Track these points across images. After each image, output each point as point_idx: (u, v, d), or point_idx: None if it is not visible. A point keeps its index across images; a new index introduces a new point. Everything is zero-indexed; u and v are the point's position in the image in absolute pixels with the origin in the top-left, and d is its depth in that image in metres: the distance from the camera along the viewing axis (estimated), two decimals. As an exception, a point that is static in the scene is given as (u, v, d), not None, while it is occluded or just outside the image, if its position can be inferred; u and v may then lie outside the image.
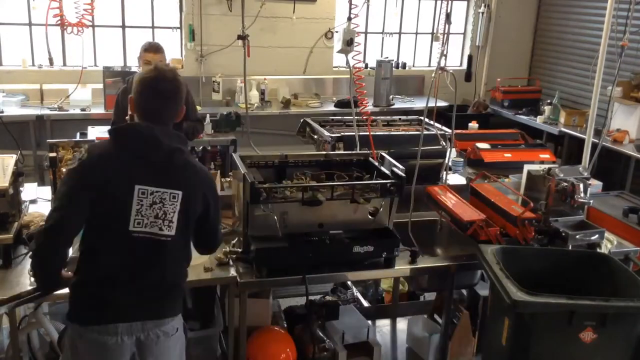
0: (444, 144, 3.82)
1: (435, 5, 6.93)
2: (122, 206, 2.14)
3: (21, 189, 3.07)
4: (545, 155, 4.56)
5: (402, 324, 3.99)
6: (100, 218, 2.15)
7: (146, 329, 2.19)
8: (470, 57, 7.23)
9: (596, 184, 4.05)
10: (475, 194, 3.45)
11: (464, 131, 5.32)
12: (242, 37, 6.00)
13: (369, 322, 3.64)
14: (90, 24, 5.83)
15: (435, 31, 7.43)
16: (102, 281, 2.18)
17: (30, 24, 6.03)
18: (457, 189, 3.57)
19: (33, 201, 3.50)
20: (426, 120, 3.70)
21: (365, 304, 4.24)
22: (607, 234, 3.33)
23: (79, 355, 2.19)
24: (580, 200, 3.25)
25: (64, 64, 6.21)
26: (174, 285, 2.30)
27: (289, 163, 3.30)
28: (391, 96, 6.82)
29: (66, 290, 2.29)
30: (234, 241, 3.02)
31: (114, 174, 2.15)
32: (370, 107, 5.69)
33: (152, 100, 2.21)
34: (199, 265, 2.83)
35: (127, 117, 3.02)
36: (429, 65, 7.65)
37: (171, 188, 2.18)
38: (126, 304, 2.17)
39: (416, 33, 7.60)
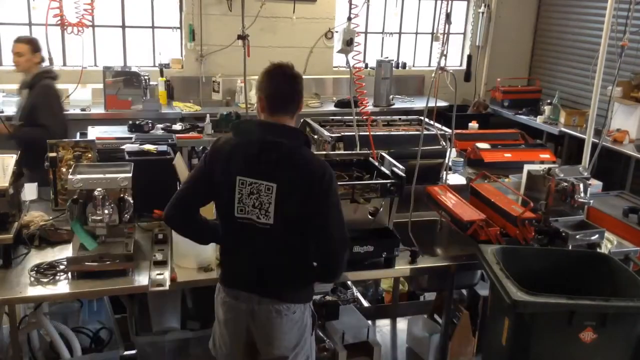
0: (444, 144, 3.83)
1: (435, 5, 6.93)
2: (228, 194, 2.35)
3: (21, 189, 3.07)
4: (545, 155, 4.56)
5: (402, 324, 3.99)
6: (218, 204, 2.46)
7: (262, 303, 2.39)
8: (470, 57, 7.23)
9: (596, 184, 4.05)
10: (475, 194, 3.45)
11: (464, 131, 5.32)
12: (242, 37, 6.00)
13: (369, 322, 3.64)
14: (90, 24, 5.82)
15: (435, 31, 7.43)
16: (228, 254, 2.50)
17: (30, 24, 6.03)
18: (457, 189, 3.57)
19: (33, 201, 3.50)
20: (426, 120, 3.70)
21: (365, 304, 4.24)
22: (607, 234, 3.34)
23: (218, 309, 2.54)
24: (580, 200, 3.25)
25: (64, 64, 6.21)
26: (287, 272, 2.42)
27: (289, 163, 3.29)
28: (391, 96, 6.82)
29: (65, 291, 2.30)
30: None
31: (222, 164, 2.37)
32: (370, 107, 5.69)
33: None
34: (199, 266, 2.84)
35: None
36: (429, 65, 7.65)
37: (267, 180, 2.32)
38: (246, 276, 2.42)
39: (416, 33, 7.60)
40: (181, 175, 3.32)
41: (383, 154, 3.20)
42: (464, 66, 7.64)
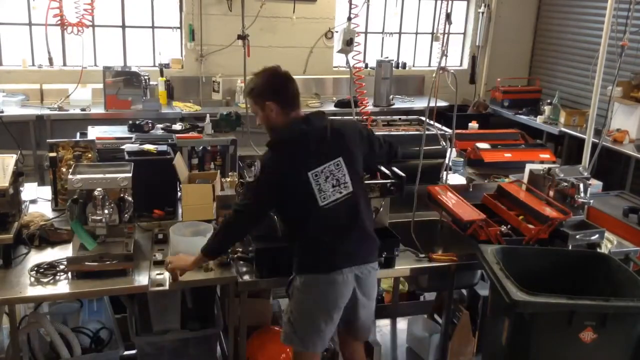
0: (444, 144, 3.82)
1: (435, 5, 6.92)
2: (308, 189, 2.56)
3: (21, 189, 3.07)
4: (545, 155, 4.56)
5: (402, 324, 3.99)
6: (296, 198, 2.61)
7: (361, 269, 2.66)
8: (474, 58, 7.21)
9: (596, 184, 4.05)
10: (504, 194, 3.49)
11: (464, 131, 5.31)
12: (242, 37, 6.00)
13: (369, 322, 3.64)
14: (90, 24, 5.83)
15: (435, 31, 7.43)
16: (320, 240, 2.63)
17: (30, 24, 6.03)
18: (457, 189, 3.57)
19: (33, 201, 3.50)
20: (426, 120, 3.70)
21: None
22: (607, 234, 3.34)
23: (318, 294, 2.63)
24: (580, 200, 3.25)
25: (64, 64, 6.21)
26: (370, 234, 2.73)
27: (289, 163, 3.29)
28: (391, 96, 6.82)
29: (65, 291, 2.24)
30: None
31: (292, 166, 2.59)
32: (370, 107, 5.69)
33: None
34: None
35: None
36: (429, 65, 7.65)
37: (333, 159, 2.61)
38: (344, 253, 2.62)
39: (416, 33, 7.60)
40: (181, 175, 3.32)
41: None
42: (464, 66, 7.66)
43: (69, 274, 2.71)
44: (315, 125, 2.62)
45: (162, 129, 5.16)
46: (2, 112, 5.45)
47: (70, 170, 2.87)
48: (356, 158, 2.70)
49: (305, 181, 2.56)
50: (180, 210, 3.35)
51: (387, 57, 6.99)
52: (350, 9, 3.61)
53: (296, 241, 2.68)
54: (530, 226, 3.14)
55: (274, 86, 2.64)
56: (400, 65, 7.39)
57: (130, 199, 2.80)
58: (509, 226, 3.21)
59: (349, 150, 2.67)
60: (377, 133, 3.12)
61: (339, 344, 3.03)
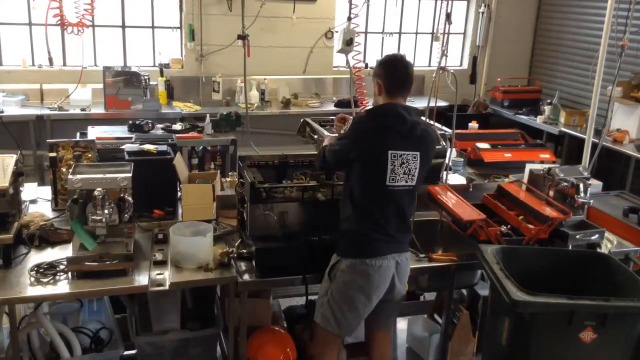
0: (444, 143, 3.82)
1: (435, 5, 6.92)
2: (382, 165, 2.71)
3: (21, 188, 3.07)
4: (545, 155, 4.56)
5: (402, 324, 3.98)
6: (368, 168, 2.74)
7: (401, 256, 2.83)
8: (475, 59, 7.19)
9: (596, 184, 4.05)
10: (504, 193, 3.49)
11: (464, 131, 5.31)
12: (242, 37, 5.99)
13: (369, 322, 3.64)
14: (90, 24, 5.83)
15: (435, 31, 7.43)
16: (374, 221, 2.75)
17: (30, 24, 6.03)
18: (457, 189, 3.57)
19: (33, 201, 3.50)
20: (427, 120, 3.70)
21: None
22: (607, 234, 3.34)
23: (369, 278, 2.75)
24: (580, 200, 3.25)
25: (64, 64, 6.21)
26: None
27: (289, 163, 3.30)
28: (391, 96, 6.80)
29: (65, 291, 2.25)
30: (237, 242, 3.01)
31: (379, 137, 2.73)
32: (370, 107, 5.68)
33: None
34: (199, 265, 2.84)
35: None
36: (429, 65, 7.65)
37: (413, 150, 2.75)
38: (392, 239, 2.77)
39: (416, 33, 7.60)
40: (181, 175, 3.32)
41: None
42: (464, 66, 7.65)
43: (69, 274, 2.71)
44: (412, 115, 2.79)
45: (162, 129, 5.16)
46: (2, 112, 5.45)
47: (70, 170, 2.87)
48: (428, 160, 2.86)
49: (383, 156, 2.69)
50: (180, 210, 3.35)
51: (387, 57, 6.98)
52: (350, 9, 3.62)
53: (348, 222, 2.78)
54: (530, 226, 3.14)
55: (386, 68, 2.82)
56: (400, 65, 7.37)
57: (130, 199, 2.80)
58: (509, 226, 3.21)
59: (427, 152, 2.83)
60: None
61: (366, 335, 3.10)
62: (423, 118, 3.74)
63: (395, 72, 2.81)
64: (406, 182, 2.75)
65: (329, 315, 2.79)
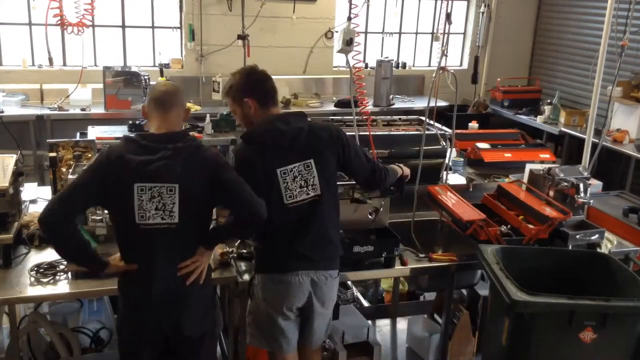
0: (444, 143, 3.83)
1: (435, 5, 6.92)
2: (274, 185, 2.58)
3: (21, 188, 3.07)
4: (545, 155, 4.56)
5: (402, 324, 3.98)
6: (262, 192, 2.50)
7: (318, 275, 2.65)
8: (476, 59, 7.17)
9: (596, 184, 4.05)
10: (503, 193, 3.49)
11: (464, 131, 5.32)
12: (242, 37, 6.00)
13: (369, 322, 3.64)
14: (90, 24, 5.83)
15: (435, 31, 7.43)
16: (279, 239, 2.62)
17: (30, 24, 6.03)
18: (457, 189, 3.57)
19: (33, 201, 3.50)
20: (426, 120, 3.71)
21: (365, 304, 4.24)
22: (607, 234, 3.34)
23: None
24: (580, 200, 3.25)
25: (64, 64, 6.21)
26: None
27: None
28: (391, 96, 6.81)
29: (65, 291, 2.24)
30: (237, 242, 3.01)
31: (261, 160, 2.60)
32: (370, 107, 5.68)
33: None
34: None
35: None
36: (429, 65, 7.65)
37: (303, 159, 2.61)
38: (301, 255, 2.61)
39: (416, 33, 7.60)
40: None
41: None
42: (464, 66, 7.65)
43: (69, 274, 2.71)
44: (291, 124, 2.62)
45: (162, 129, 5.15)
46: (2, 112, 5.45)
47: (70, 170, 2.87)
48: (328, 162, 2.67)
49: (272, 177, 2.56)
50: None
51: (387, 57, 6.98)
52: (350, 8, 3.61)
53: (258, 239, 2.68)
54: (530, 226, 3.14)
55: (252, 83, 2.66)
56: (400, 65, 7.38)
57: (130, 199, 2.79)
58: (509, 226, 3.21)
59: (322, 153, 2.65)
60: (376, 133, 3.11)
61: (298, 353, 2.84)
62: (422, 118, 3.74)
63: (263, 84, 2.69)
64: (307, 194, 2.60)
65: (255, 333, 2.71)
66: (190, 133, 5.17)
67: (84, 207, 2.44)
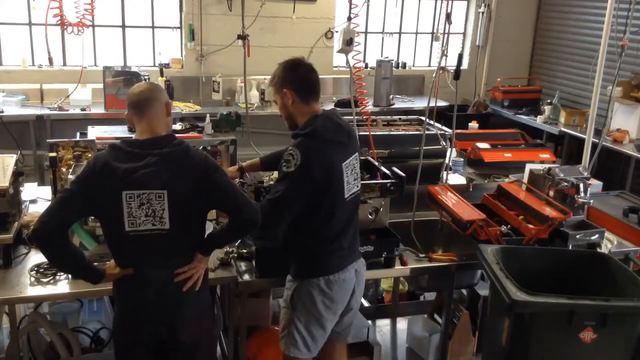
0: (444, 143, 3.83)
1: (435, 5, 6.92)
2: (338, 180, 2.57)
3: (21, 188, 3.07)
4: (545, 155, 4.56)
5: (402, 324, 3.99)
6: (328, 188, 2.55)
7: (358, 264, 2.72)
8: (460, 56, 7.15)
9: (596, 184, 4.05)
10: (503, 193, 3.49)
11: (464, 131, 5.32)
12: (242, 37, 5.99)
13: (369, 322, 3.64)
14: (90, 23, 5.83)
15: (435, 31, 7.43)
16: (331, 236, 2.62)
17: (30, 24, 6.03)
18: (457, 189, 3.57)
19: (33, 201, 3.50)
20: (426, 120, 3.71)
21: (365, 303, 4.24)
22: (607, 234, 3.34)
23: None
24: (580, 200, 3.25)
25: (64, 64, 6.20)
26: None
27: (289, 163, 3.28)
28: (391, 96, 6.81)
29: (65, 291, 2.24)
30: (237, 242, 3.01)
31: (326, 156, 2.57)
32: (370, 107, 5.69)
33: None
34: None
35: None
36: (429, 65, 7.65)
37: (353, 153, 2.68)
38: (348, 249, 2.65)
39: (416, 33, 7.59)
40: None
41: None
42: (465, 66, 7.64)
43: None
44: (342, 119, 2.70)
45: (162, 129, 5.14)
46: (2, 112, 5.45)
47: (70, 170, 2.87)
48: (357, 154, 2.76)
49: (338, 171, 2.55)
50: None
51: (387, 57, 6.99)
52: (350, 8, 3.61)
53: (301, 244, 2.61)
54: (530, 226, 3.14)
55: (293, 75, 2.62)
56: (400, 65, 7.38)
57: (130, 199, 2.79)
58: (509, 226, 3.21)
59: (359, 148, 2.75)
60: (376, 133, 3.11)
61: (321, 351, 2.76)
62: (422, 118, 3.75)
63: (306, 76, 2.66)
64: (357, 187, 2.67)
65: (298, 343, 2.62)
66: (190, 133, 5.20)
67: (75, 219, 2.39)
